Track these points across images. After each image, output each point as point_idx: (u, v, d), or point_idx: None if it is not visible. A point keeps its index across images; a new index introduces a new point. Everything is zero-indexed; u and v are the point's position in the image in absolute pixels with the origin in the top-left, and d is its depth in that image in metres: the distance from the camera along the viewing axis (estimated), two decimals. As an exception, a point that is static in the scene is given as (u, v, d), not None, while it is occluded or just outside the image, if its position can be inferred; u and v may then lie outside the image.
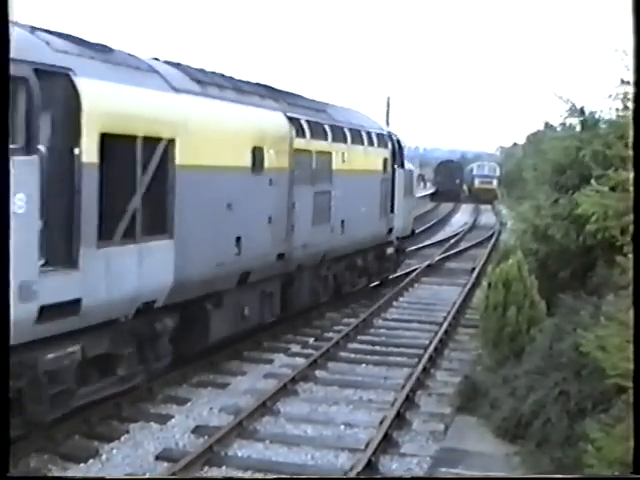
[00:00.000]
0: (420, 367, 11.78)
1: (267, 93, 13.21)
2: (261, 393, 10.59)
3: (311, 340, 14.21)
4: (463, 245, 31.90)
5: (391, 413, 9.62)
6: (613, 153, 9.06)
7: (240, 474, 8.17)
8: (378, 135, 17.98)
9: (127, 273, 8.75)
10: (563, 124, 12.62)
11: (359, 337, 14.47)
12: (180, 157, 9.55)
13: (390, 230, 18.94)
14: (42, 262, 7.51)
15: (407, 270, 22.22)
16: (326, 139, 14.69)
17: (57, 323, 7.77)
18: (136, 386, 9.60)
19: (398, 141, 19.54)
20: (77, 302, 7.92)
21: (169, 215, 9.49)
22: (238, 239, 11.20)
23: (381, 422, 9.45)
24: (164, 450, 8.69)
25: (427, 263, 24.00)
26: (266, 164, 11.99)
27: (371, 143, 17.31)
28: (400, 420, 9.66)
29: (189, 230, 9.83)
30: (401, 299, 18.79)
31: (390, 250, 19.51)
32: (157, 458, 8.48)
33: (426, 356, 12.42)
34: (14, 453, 7.33)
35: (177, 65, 10.87)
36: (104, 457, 8.47)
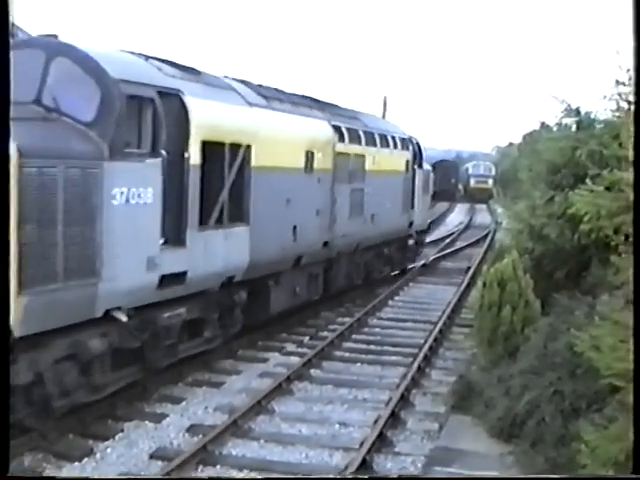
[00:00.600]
0: (415, 366, 11.78)
1: (314, 104, 15.48)
2: (256, 392, 10.59)
3: (306, 339, 14.21)
4: (458, 244, 31.93)
5: (386, 412, 9.62)
6: (609, 153, 9.08)
7: (235, 473, 8.18)
8: (401, 139, 20.26)
9: (218, 252, 10.77)
10: (559, 124, 12.62)
11: (354, 336, 14.47)
12: (254, 160, 11.70)
13: (410, 224, 21.28)
14: (162, 241, 9.48)
15: (401, 269, 22.27)
16: (360, 143, 16.86)
17: (170, 290, 9.78)
18: (216, 347, 11.56)
19: (417, 144, 21.89)
20: (184, 274, 9.95)
21: (246, 206, 11.60)
22: (294, 228, 13.42)
23: (376, 421, 9.46)
24: (158, 449, 8.69)
25: (422, 262, 24.03)
26: (315, 165, 14.23)
27: (395, 146, 19.57)
28: (395, 419, 9.66)
29: (260, 219, 11.91)
30: (396, 298, 18.80)
31: (411, 242, 21.99)
32: (151, 457, 8.48)
33: (421, 355, 12.44)
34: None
35: (245, 82, 12.95)
36: (98, 456, 8.47)
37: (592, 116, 11.56)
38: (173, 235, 9.77)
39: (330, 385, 11.39)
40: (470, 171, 65.49)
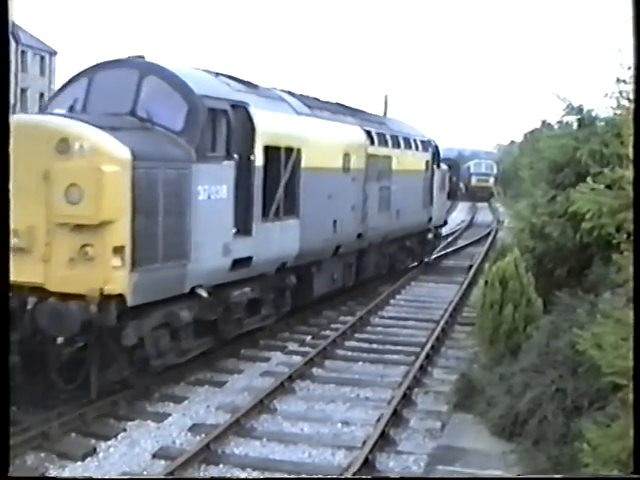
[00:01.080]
0: (417, 365, 11.78)
1: (347, 111, 17.33)
2: (258, 391, 10.59)
3: (308, 338, 14.21)
4: (460, 243, 31.92)
5: (388, 411, 9.62)
6: (610, 151, 9.07)
7: (237, 472, 8.18)
8: (421, 141, 22.11)
9: (275, 241, 12.49)
10: (560, 122, 12.61)
11: (356, 335, 14.47)
12: (304, 162, 13.42)
13: (430, 219, 23.18)
14: (234, 231, 11.16)
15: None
16: (387, 146, 18.61)
17: (239, 272, 11.49)
18: (269, 324, 13.30)
19: (436, 146, 23.67)
20: (250, 259, 11.64)
21: (297, 202, 13.31)
22: (335, 221, 15.18)
23: (378, 420, 9.46)
24: (161, 448, 8.70)
25: (426, 259, 24.00)
26: (351, 166, 16.02)
27: (417, 148, 21.49)
28: (397, 418, 9.66)
29: (308, 213, 13.65)
30: (398, 297, 18.80)
31: (430, 236, 23.86)
32: (154, 456, 8.49)
33: (423, 354, 12.43)
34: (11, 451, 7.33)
35: (291, 93, 14.70)
36: (101, 455, 8.48)
37: (593, 114, 11.54)
38: (242, 226, 11.41)
39: (332, 384, 11.40)
40: (472, 169, 65.42)
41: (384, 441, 8.87)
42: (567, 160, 11.03)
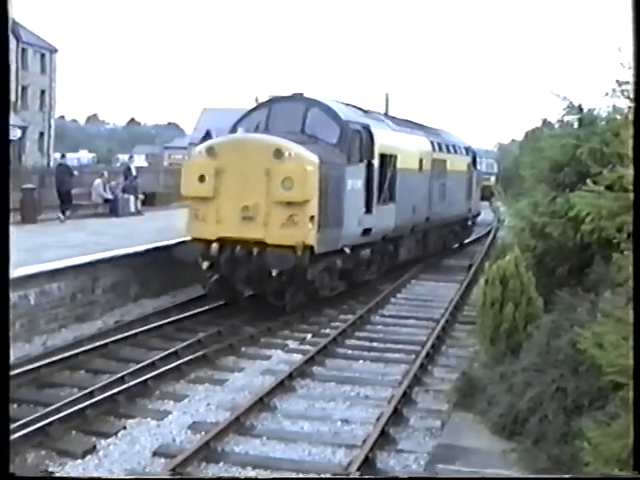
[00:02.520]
0: (417, 364, 11.79)
1: (416, 126, 23.09)
2: (258, 389, 10.60)
3: (308, 336, 14.21)
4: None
5: (388, 409, 9.63)
6: (611, 151, 9.05)
7: (237, 470, 8.18)
8: (465, 148, 28.26)
9: (383, 218, 17.83)
10: (561, 121, 12.59)
11: (356, 333, 14.48)
12: (399, 164, 18.86)
13: (469, 209, 29.02)
14: (364, 210, 16.55)
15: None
16: (443, 152, 24.20)
17: (365, 238, 16.87)
18: (373, 279, 18.72)
19: (473, 151, 30.04)
20: (370, 229, 16.96)
21: (393, 192, 18.58)
22: (413, 207, 20.54)
23: (378, 418, 9.47)
24: (161, 446, 8.70)
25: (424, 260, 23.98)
26: (423, 167, 21.62)
27: (461, 153, 27.28)
28: (397, 416, 9.67)
29: (399, 200, 18.93)
30: (398, 295, 18.80)
31: (469, 222, 29.83)
32: (154, 454, 8.50)
33: (423, 353, 12.44)
34: (11, 449, 7.34)
35: (385, 114, 22.01)
36: (101, 453, 8.49)
37: (594, 113, 11.52)
38: (368, 206, 16.85)
39: (333, 382, 11.40)
40: (472, 168, 65.34)
41: (384, 440, 8.88)
42: (568, 159, 11.02)
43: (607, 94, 7.40)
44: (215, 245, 14.37)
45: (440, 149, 23.74)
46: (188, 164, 15.80)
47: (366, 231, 16.71)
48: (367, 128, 16.97)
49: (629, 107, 6.55)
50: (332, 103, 16.81)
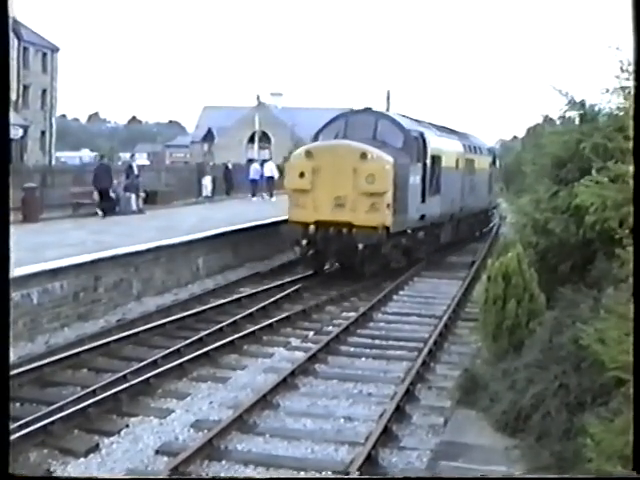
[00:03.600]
0: (420, 360, 11.78)
1: (450, 130, 27.33)
2: (261, 387, 10.60)
3: (311, 334, 14.21)
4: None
5: (391, 407, 9.62)
6: (613, 146, 9.02)
7: (240, 468, 8.18)
8: (487, 149, 33.38)
9: (432, 207, 21.89)
10: (562, 117, 12.55)
11: (359, 331, 14.46)
12: (443, 163, 23.11)
13: (490, 202, 33.88)
14: (421, 199, 20.78)
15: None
16: (471, 153, 28.36)
17: (420, 222, 21.00)
18: (424, 258, 22.51)
19: (494, 152, 35.63)
20: (424, 216, 21.13)
21: (440, 185, 22.79)
22: (452, 199, 24.69)
23: (381, 416, 9.46)
24: (164, 444, 8.71)
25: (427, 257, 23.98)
26: (459, 166, 25.93)
27: (485, 154, 31.86)
28: (400, 414, 9.66)
29: (443, 193, 23.09)
30: (401, 293, 18.78)
31: (490, 213, 35.24)
32: (157, 452, 8.50)
33: (426, 349, 12.43)
34: (14, 448, 7.35)
35: (429, 123, 24.52)
36: (104, 451, 8.49)
37: (596, 109, 11.48)
38: (423, 197, 21.03)
39: (335, 380, 11.39)
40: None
41: (387, 437, 8.87)
42: (570, 155, 10.99)
43: (608, 91, 7.38)
44: (312, 226, 18.69)
45: (469, 150, 28.01)
46: (290, 164, 20.39)
47: (422, 217, 21.11)
48: (422, 135, 21.45)
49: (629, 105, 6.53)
50: (396, 115, 21.96)
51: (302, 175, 18.83)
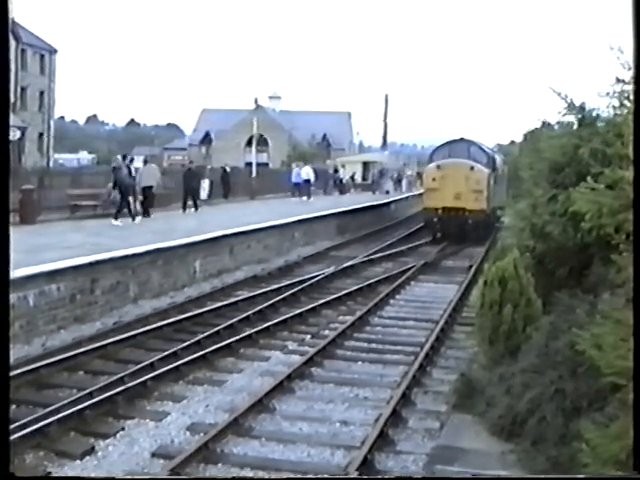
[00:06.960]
0: (416, 365, 11.78)
1: (494, 148, 44.69)
2: (257, 390, 10.59)
3: (307, 337, 14.21)
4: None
5: (387, 411, 9.62)
6: (612, 151, 9.03)
7: (236, 471, 8.17)
8: (502, 159, 39.00)
9: (496, 199, 30.47)
10: (560, 122, 12.56)
11: (355, 335, 14.46)
12: (499, 172, 34.79)
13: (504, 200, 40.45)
14: (494, 194, 32.73)
15: (403, 268, 22.34)
16: (502, 164, 36.92)
17: (492, 208, 29.23)
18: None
19: (504, 159, 41.76)
20: (494, 205, 29.77)
21: (497, 185, 32.76)
22: (500, 195, 31.37)
23: (377, 420, 9.46)
24: (160, 447, 8.70)
25: (423, 261, 24.02)
26: (499, 172, 34.19)
27: (505, 162, 39.01)
28: (396, 418, 9.66)
29: (496, 190, 32.04)
30: (397, 297, 18.78)
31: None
32: (153, 455, 8.49)
33: (422, 354, 12.43)
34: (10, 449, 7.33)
35: (478, 143, 34.68)
36: (100, 454, 8.48)
37: (594, 113, 11.49)
38: (493, 193, 31.14)
39: (331, 383, 11.39)
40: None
41: (383, 441, 8.87)
42: (568, 160, 11.00)
43: (607, 94, 7.38)
44: (440, 211, 30.62)
45: (502, 162, 37.58)
46: (427, 173, 32.89)
47: (493, 206, 28.51)
48: (494, 154, 34.71)
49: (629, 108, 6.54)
50: (479, 142, 34.02)
51: (434, 180, 31.07)
